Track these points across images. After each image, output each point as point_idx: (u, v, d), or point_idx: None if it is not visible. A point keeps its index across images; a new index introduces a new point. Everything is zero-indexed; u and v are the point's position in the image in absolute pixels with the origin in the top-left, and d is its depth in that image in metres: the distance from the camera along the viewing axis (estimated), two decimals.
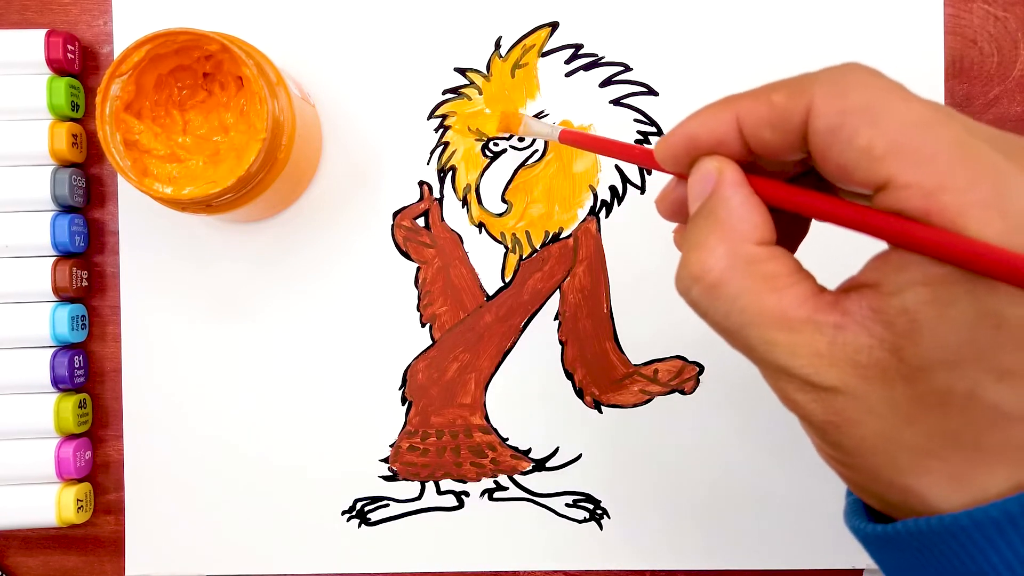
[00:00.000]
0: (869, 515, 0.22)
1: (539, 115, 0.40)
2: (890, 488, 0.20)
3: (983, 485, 0.19)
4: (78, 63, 0.40)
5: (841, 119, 0.19)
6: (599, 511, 0.41)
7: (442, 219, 0.41)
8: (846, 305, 0.20)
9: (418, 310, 0.41)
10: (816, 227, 0.24)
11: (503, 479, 0.41)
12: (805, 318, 0.20)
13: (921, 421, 0.19)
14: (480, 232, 0.41)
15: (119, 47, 0.41)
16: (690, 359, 0.40)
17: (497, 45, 0.41)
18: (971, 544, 0.19)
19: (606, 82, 0.40)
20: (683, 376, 0.40)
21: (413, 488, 0.41)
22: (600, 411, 0.41)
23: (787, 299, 0.20)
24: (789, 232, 0.25)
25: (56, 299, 0.40)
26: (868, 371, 0.19)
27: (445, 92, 0.41)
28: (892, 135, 0.18)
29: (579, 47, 0.40)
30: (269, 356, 0.41)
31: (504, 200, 0.41)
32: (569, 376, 0.41)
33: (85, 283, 0.41)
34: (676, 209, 0.25)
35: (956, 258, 0.18)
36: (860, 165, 0.19)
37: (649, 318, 0.40)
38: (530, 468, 0.41)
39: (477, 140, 0.41)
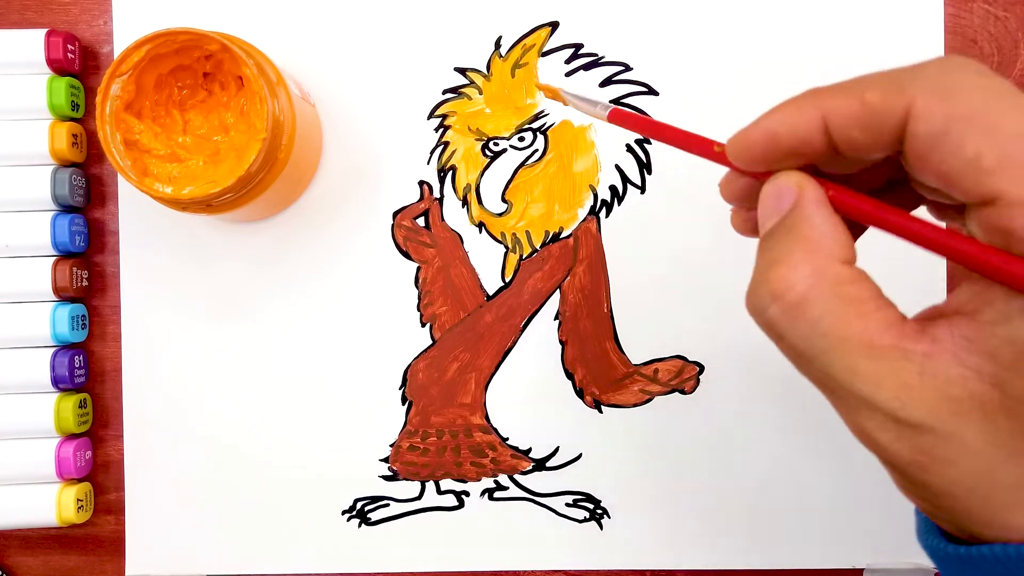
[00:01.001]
0: (944, 533, 0.21)
1: (539, 115, 0.40)
2: (986, 527, 0.19)
3: None
4: (78, 63, 0.40)
5: (947, 124, 0.18)
6: (599, 511, 0.41)
7: (442, 219, 0.41)
8: (936, 333, 0.18)
9: (418, 310, 0.41)
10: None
11: (503, 479, 0.41)
12: (892, 345, 0.18)
13: (1022, 456, 0.18)
14: (480, 232, 0.41)
15: (119, 47, 0.41)
16: (690, 359, 0.40)
17: (497, 45, 0.41)
18: None
19: (606, 82, 0.40)
20: (683, 376, 0.40)
21: (413, 488, 0.41)
22: (600, 411, 0.41)
23: (873, 324, 0.19)
24: None
25: (56, 299, 0.40)
26: (963, 405, 0.18)
27: (445, 92, 0.41)
28: (1005, 147, 0.17)
29: (579, 47, 0.40)
30: (269, 356, 0.41)
31: (504, 200, 0.41)
32: (569, 376, 0.41)
33: (85, 283, 0.41)
34: (742, 196, 0.24)
35: None
36: (966, 176, 0.17)
37: (649, 318, 0.40)
38: (530, 468, 0.41)
39: (477, 140, 0.41)
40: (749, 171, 0.22)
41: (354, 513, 0.41)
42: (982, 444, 0.18)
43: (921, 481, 0.19)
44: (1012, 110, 0.17)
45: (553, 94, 0.38)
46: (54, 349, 0.40)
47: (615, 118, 0.31)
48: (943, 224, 0.19)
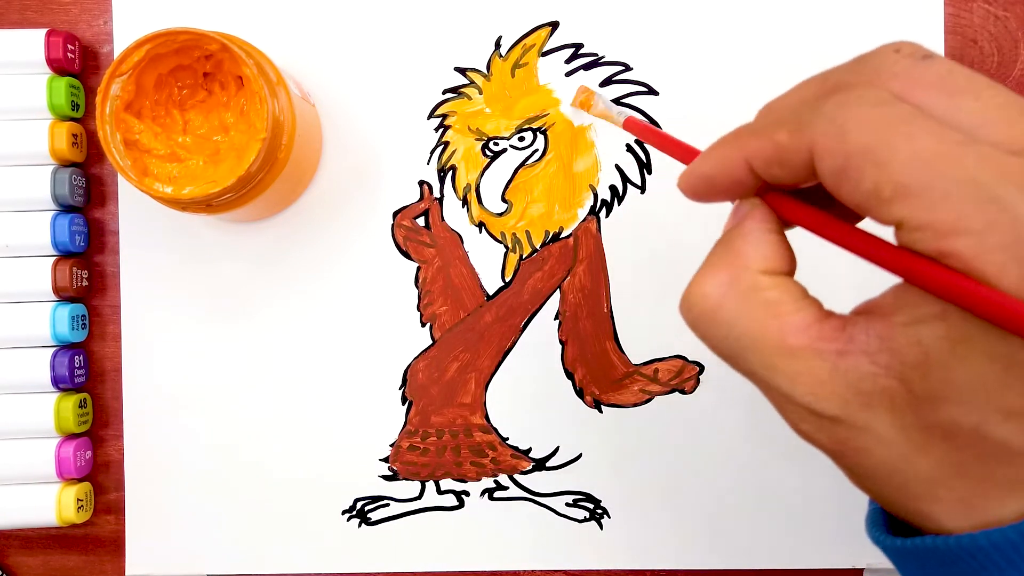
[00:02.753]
0: (890, 526, 0.22)
1: (539, 116, 0.40)
2: (904, 510, 0.20)
3: (994, 512, 0.19)
4: (78, 63, 0.40)
5: (844, 161, 0.18)
6: (599, 511, 0.41)
7: (442, 219, 0.41)
8: (852, 332, 0.19)
9: (418, 310, 0.41)
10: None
11: (503, 479, 0.41)
12: (806, 345, 0.20)
13: (929, 451, 0.19)
14: (480, 232, 0.41)
15: (119, 47, 0.41)
16: (690, 359, 0.40)
17: (497, 45, 0.41)
18: (990, 563, 0.18)
19: (606, 82, 0.40)
20: (683, 376, 0.40)
21: (413, 488, 0.41)
22: (600, 411, 0.41)
23: (788, 325, 0.20)
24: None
25: (56, 299, 0.40)
26: (872, 399, 0.19)
27: (445, 92, 0.41)
28: (898, 176, 0.18)
29: (579, 47, 0.40)
30: (269, 356, 0.41)
31: (504, 200, 0.41)
32: (569, 376, 0.41)
33: (85, 283, 0.41)
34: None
35: (968, 305, 0.17)
36: (871, 206, 0.18)
37: (649, 318, 0.40)
38: (530, 468, 0.41)
39: (477, 140, 0.41)
40: (707, 201, 0.24)
41: (354, 513, 0.41)
42: (892, 436, 0.19)
43: (845, 465, 0.20)
44: (902, 139, 0.18)
45: (582, 101, 0.39)
46: (54, 349, 0.40)
47: (629, 126, 0.34)
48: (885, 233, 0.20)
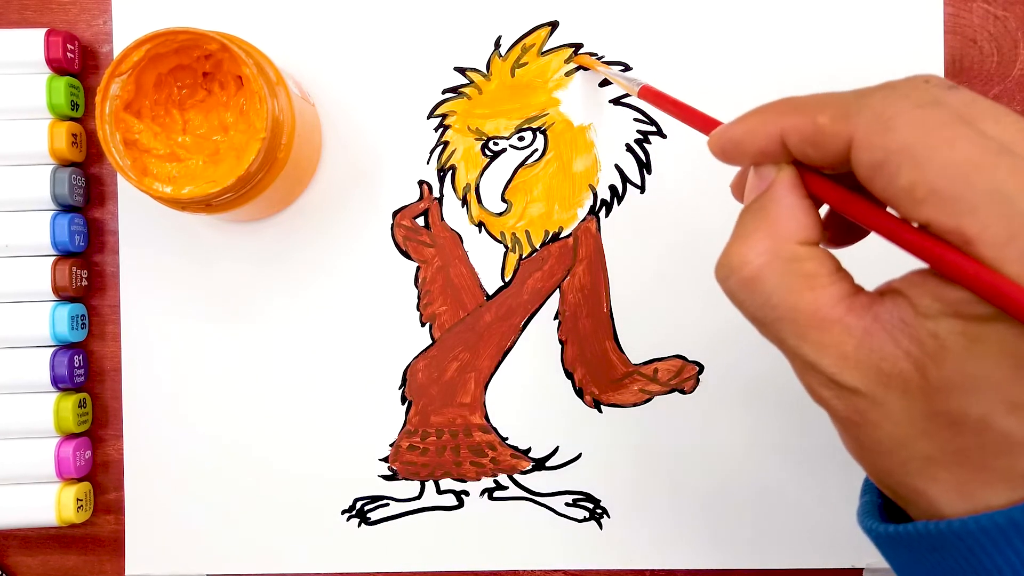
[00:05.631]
0: (883, 515, 0.23)
1: (539, 115, 0.40)
2: (901, 487, 0.21)
3: (986, 499, 0.19)
4: (78, 62, 0.40)
5: (885, 156, 0.19)
6: (599, 510, 0.41)
7: (442, 218, 0.41)
8: (878, 311, 0.20)
9: (418, 309, 0.41)
10: None
11: (503, 478, 0.41)
12: (836, 318, 0.20)
13: (934, 435, 0.20)
14: (480, 231, 0.41)
15: (119, 46, 0.41)
16: (690, 359, 0.40)
17: (497, 45, 0.41)
18: (979, 548, 0.19)
19: (606, 81, 0.40)
20: (683, 376, 0.40)
21: (413, 487, 0.41)
22: (600, 410, 0.41)
23: (823, 298, 0.21)
24: (852, 228, 0.25)
25: (56, 298, 0.40)
26: (890, 379, 0.20)
27: (445, 91, 0.41)
28: (933, 180, 0.18)
29: (579, 47, 0.40)
30: (269, 355, 0.41)
31: (504, 199, 0.41)
32: (569, 375, 0.41)
33: (85, 282, 0.41)
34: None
35: (988, 294, 0.18)
36: (902, 203, 0.19)
37: (649, 318, 0.40)
38: (530, 467, 0.41)
39: (477, 139, 0.41)
40: (731, 164, 0.24)
41: (354, 513, 0.41)
42: (902, 416, 0.20)
43: (854, 435, 0.21)
44: (943, 144, 0.18)
45: (590, 64, 0.39)
46: (53, 349, 0.40)
47: (645, 94, 0.34)
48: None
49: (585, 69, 0.40)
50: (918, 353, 0.19)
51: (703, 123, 0.28)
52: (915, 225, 0.19)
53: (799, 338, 0.21)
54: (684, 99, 0.40)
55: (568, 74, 0.40)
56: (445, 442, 0.41)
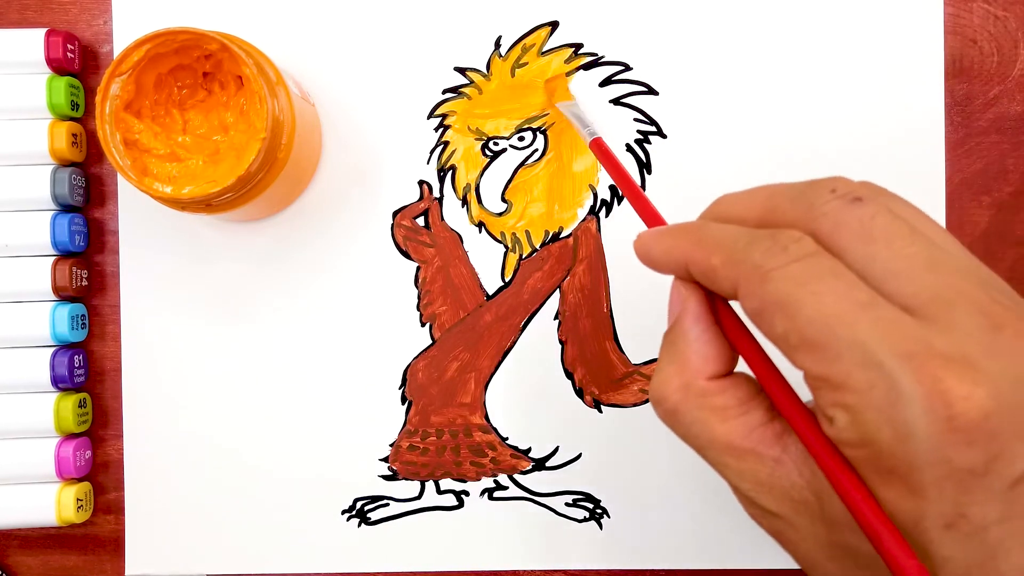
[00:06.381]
0: None
1: (539, 115, 0.40)
2: None
3: None
4: (78, 62, 0.40)
5: (761, 305, 0.21)
6: (599, 511, 0.41)
7: (442, 218, 0.41)
8: (787, 442, 0.22)
9: (418, 309, 0.41)
10: None
11: (503, 478, 0.41)
12: (749, 448, 0.22)
13: (839, 561, 0.21)
14: (480, 231, 0.41)
15: (119, 46, 0.41)
16: None
17: (497, 45, 0.41)
18: None
19: (606, 82, 0.40)
20: None
21: (413, 487, 0.41)
22: (600, 410, 0.41)
23: (735, 429, 0.23)
24: None
25: (56, 298, 0.40)
26: (798, 507, 0.22)
27: (445, 91, 0.41)
28: (803, 331, 0.20)
29: (579, 47, 0.40)
30: (269, 355, 0.41)
31: (504, 199, 0.41)
32: (569, 375, 0.41)
33: (85, 282, 0.41)
34: None
35: (849, 510, 0.19)
36: (780, 347, 0.21)
37: (649, 318, 0.40)
38: (530, 467, 0.41)
39: (477, 139, 0.41)
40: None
41: (354, 513, 0.41)
42: (812, 541, 0.22)
43: (783, 547, 0.23)
44: (811, 297, 0.20)
45: (552, 92, 0.39)
46: (54, 349, 0.40)
47: (595, 148, 0.35)
48: None
49: (610, 82, 0.40)
50: (816, 487, 0.21)
51: (642, 209, 0.29)
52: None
53: (721, 464, 0.23)
54: (684, 98, 0.40)
55: (568, 75, 0.40)
56: (445, 442, 0.41)
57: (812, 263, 0.20)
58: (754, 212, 0.23)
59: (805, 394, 0.22)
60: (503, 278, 0.41)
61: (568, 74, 0.40)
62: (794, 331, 0.20)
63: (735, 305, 0.23)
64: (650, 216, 0.29)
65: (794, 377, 0.22)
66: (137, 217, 0.41)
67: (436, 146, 0.41)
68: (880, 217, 0.20)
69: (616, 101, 0.40)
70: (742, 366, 0.24)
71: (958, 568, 0.19)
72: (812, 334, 0.19)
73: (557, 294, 0.41)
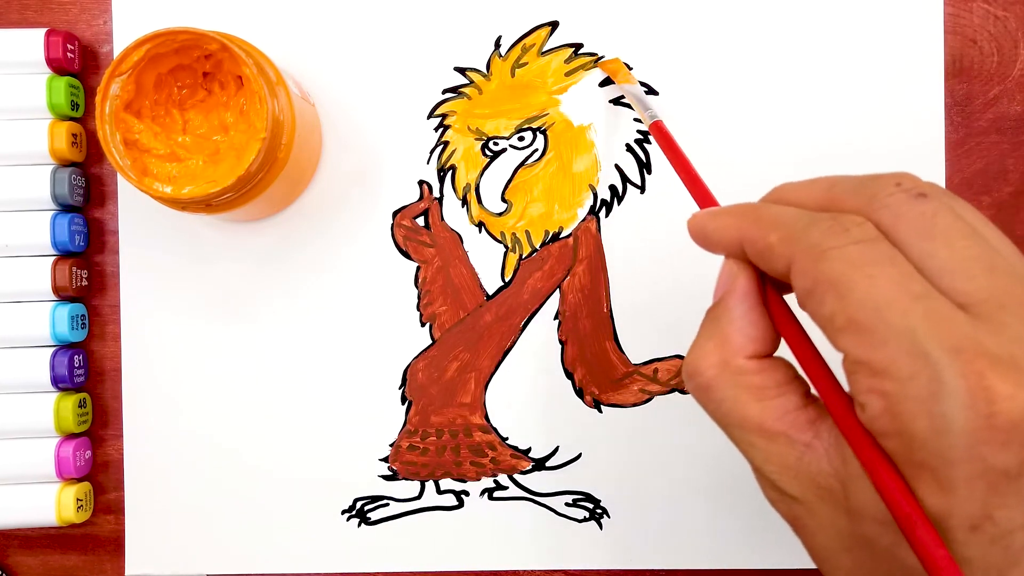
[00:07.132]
0: None
1: (539, 115, 0.40)
2: None
3: None
4: (78, 62, 0.40)
5: (813, 284, 0.21)
6: (599, 511, 0.41)
7: (442, 218, 0.41)
8: (820, 428, 0.22)
9: (418, 309, 0.41)
10: None
11: (503, 478, 0.41)
12: (780, 431, 0.22)
13: (855, 553, 0.21)
14: (480, 231, 0.41)
15: (119, 46, 0.41)
16: None
17: (497, 45, 0.41)
18: None
19: (606, 82, 0.40)
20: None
21: (413, 487, 0.41)
22: (600, 411, 0.41)
23: (769, 411, 0.22)
24: None
25: (56, 298, 0.40)
26: (823, 494, 0.21)
27: (445, 91, 0.41)
28: (852, 313, 0.20)
29: (579, 47, 0.40)
30: (269, 355, 0.41)
31: (504, 199, 0.41)
32: (569, 376, 0.41)
33: (85, 282, 0.41)
34: None
35: (883, 498, 0.19)
36: (825, 329, 0.20)
37: (649, 318, 0.40)
38: (530, 467, 0.41)
39: (477, 139, 0.41)
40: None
41: (354, 513, 0.41)
42: (831, 530, 0.22)
43: (795, 533, 0.23)
44: (865, 279, 0.20)
45: (612, 72, 0.39)
46: (53, 349, 0.40)
47: (654, 131, 0.35)
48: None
49: (610, 82, 0.40)
50: (844, 475, 0.21)
51: (697, 191, 0.29)
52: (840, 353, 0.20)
53: (748, 444, 0.23)
54: (684, 98, 0.40)
55: (568, 75, 0.40)
56: (445, 442, 0.41)
57: (871, 247, 0.20)
58: (813, 199, 0.23)
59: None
60: (503, 278, 0.41)
61: (567, 74, 0.40)
62: (842, 312, 0.20)
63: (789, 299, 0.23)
64: (707, 200, 0.29)
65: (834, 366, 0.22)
66: (137, 217, 0.41)
67: (436, 146, 0.41)
68: (943, 215, 0.20)
69: (616, 101, 0.40)
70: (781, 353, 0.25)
71: (978, 572, 0.19)
72: (861, 316, 0.19)
73: (557, 294, 0.41)
